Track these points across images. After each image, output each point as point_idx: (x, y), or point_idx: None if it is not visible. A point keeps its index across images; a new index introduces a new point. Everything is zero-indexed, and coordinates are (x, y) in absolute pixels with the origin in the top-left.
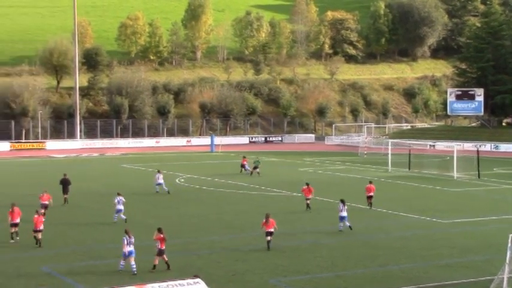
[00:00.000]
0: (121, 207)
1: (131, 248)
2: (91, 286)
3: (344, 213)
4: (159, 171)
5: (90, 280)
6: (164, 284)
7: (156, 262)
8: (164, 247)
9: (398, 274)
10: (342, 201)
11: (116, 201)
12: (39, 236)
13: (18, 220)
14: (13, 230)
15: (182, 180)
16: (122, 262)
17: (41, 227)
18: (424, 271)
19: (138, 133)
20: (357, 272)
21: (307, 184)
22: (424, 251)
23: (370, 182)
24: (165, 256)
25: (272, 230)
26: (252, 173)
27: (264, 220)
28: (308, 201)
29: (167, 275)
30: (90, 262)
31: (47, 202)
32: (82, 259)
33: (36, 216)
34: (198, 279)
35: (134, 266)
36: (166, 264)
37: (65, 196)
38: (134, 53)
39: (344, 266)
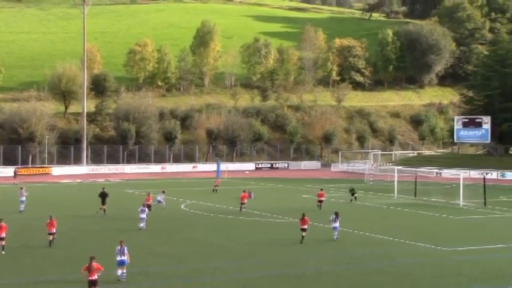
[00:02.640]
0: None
1: (123, 257)
2: None
3: (336, 224)
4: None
5: None
6: None
7: None
8: (96, 277)
9: None
10: (336, 214)
11: (140, 210)
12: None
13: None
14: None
15: (186, 206)
16: (119, 271)
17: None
18: None
19: (144, 159)
20: None
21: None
22: (431, 279)
23: (321, 190)
24: None
25: (306, 226)
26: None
27: (301, 218)
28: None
29: None
30: None
31: (54, 230)
32: None
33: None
34: None
35: (124, 274)
36: None
37: (104, 207)
38: (142, 79)
39: None
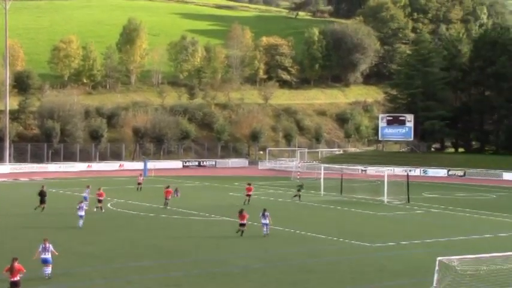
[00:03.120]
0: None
1: (47, 255)
2: None
3: (266, 221)
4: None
5: None
6: None
7: None
8: (18, 278)
9: None
10: (264, 210)
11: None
12: None
13: None
14: None
15: (113, 204)
16: (44, 269)
17: None
18: None
19: (69, 157)
20: None
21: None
22: (354, 274)
23: (249, 184)
24: None
25: (245, 221)
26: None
27: (239, 214)
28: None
29: None
30: None
31: None
32: None
33: None
34: None
35: (47, 271)
36: None
37: (43, 206)
38: (67, 77)
39: None
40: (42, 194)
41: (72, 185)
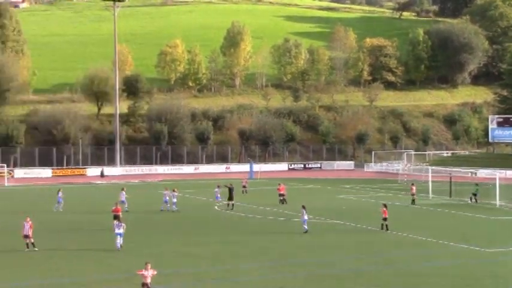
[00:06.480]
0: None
1: (119, 230)
2: None
3: (305, 217)
4: (173, 190)
5: None
6: None
7: None
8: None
9: None
10: (303, 207)
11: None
12: None
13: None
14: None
15: (220, 206)
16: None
17: None
18: None
19: (177, 160)
20: None
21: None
22: (467, 280)
23: (279, 184)
24: None
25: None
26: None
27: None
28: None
29: None
30: None
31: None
32: None
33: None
34: None
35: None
36: None
37: (232, 202)
38: (173, 80)
39: None
40: (230, 190)
41: (181, 187)
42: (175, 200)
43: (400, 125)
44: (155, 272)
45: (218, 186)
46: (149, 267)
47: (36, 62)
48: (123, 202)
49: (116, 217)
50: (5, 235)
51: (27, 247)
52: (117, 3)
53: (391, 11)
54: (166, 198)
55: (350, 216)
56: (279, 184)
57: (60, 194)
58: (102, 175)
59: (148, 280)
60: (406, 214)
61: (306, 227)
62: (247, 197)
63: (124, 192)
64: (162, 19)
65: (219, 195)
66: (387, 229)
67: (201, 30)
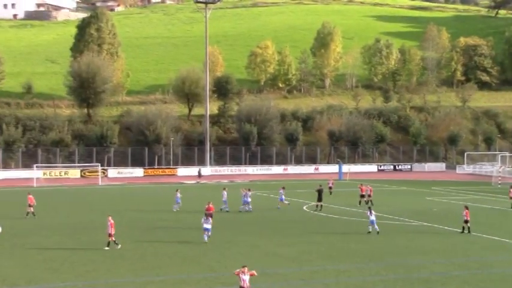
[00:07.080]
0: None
1: (207, 225)
2: None
3: (372, 218)
4: (249, 190)
5: None
6: None
7: None
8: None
9: None
10: (370, 209)
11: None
12: None
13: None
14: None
15: (308, 207)
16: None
17: None
18: None
19: (266, 160)
20: None
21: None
22: None
23: (361, 184)
24: None
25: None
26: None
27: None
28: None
29: None
30: None
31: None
32: None
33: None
34: None
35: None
36: None
37: (320, 203)
38: (263, 81)
39: None
40: (319, 192)
41: (271, 188)
42: (249, 199)
43: (495, 126)
44: (255, 273)
45: (283, 188)
46: (246, 270)
47: (129, 64)
48: (177, 202)
49: (209, 215)
50: (100, 233)
51: (108, 245)
52: (208, 5)
53: (486, 9)
54: (246, 199)
55: (437, 218)
56: (361, 184)
57: (178, 194)
58: (199, 175)
59: (247, 285)
60: (501, 218)
61: (371, 228)
62: (333, 198)
63: (179, 194)
64: (253, 20)
65: (283, 197)
66: (469, 231)
67: (290, 31)
